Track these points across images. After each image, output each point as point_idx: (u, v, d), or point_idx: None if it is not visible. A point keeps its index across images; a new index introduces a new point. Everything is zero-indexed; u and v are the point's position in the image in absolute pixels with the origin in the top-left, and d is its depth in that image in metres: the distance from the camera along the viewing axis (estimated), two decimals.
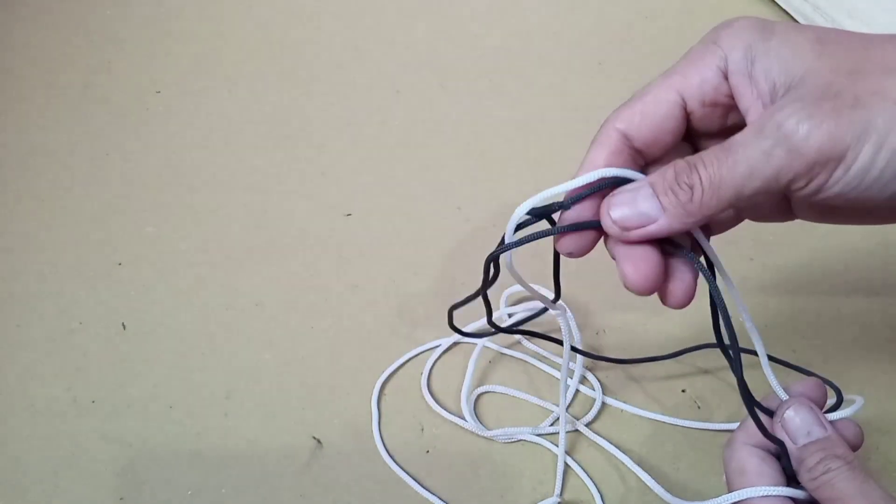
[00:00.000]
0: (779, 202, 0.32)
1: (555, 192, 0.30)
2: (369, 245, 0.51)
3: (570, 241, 0.29)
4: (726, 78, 0.27)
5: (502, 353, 0.45)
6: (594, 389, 0.43)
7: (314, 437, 0.42)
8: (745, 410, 0.30)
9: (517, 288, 0.48)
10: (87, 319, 0.47)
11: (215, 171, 0.56)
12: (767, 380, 0.32)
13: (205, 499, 0.40)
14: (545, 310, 0.44)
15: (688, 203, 0.26)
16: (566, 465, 0.40)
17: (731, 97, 0.27)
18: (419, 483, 0.40)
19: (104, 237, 0.52)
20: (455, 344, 0.45)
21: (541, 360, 0.44)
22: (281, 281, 0.49)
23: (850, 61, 0.25)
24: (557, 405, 0.42)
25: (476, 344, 0.45)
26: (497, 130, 0.59)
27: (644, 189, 0.26)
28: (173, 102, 0.61)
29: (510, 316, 0.46)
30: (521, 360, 0.45)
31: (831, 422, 0.31)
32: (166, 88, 0.62)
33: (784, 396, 0.31)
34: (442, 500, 0.39)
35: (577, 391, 0.43)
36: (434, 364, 0.45)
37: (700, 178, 0.25)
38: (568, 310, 0.44)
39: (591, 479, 0.40)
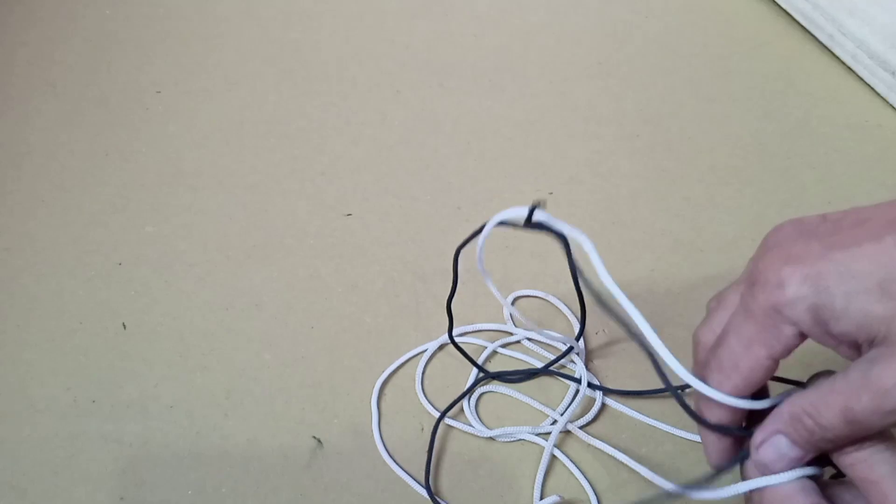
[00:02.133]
0: None
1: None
2: (369, 245, 0.51)
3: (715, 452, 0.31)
4: (804, 334, 0.28)
5: (503, 353, 0.45)
6: (594, 390, 0.43)
7: (314, 437, 0.42)
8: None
9: (524, 291, 0.48)
10: (87, 319, 0.47)
11: (215, 171, 0.56)
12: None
13: (205, 499, 0.40)
14: (570, 349, 0.44)
15: (824, 449, 0.28)
16: (564, 465, 0.40)
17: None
18: (419, 483, 0.40)
19: (104, 237, 0.52)
20: (444, 345, 0.46)
21: (542, 361, 0.44)
22: (281, 281, 0.49)
23: None
24: (557, 407, 0.42)
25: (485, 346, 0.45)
26: (497, 130, 0.59)
27: (781, 440, 0.29)
28: (173, 102, 0.61)
29: (512, 318, 0.46)
30: (522, 360, 0.45)
31: None
32: (166, 88, 0.62)
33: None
34: (442, 500, 0.39)
35: (577, 391, 0.43)
36: (426, 366, 0.45)
37: (834, 437, 0.27)
38: (580, 346, 0.44)
39: (586, 477, 0.40)
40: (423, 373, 0.44)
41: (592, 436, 0.41)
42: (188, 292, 0.48)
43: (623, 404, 0.43)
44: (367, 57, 0.65)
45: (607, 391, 0.43)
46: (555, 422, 0.41)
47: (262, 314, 0.47)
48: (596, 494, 0.39)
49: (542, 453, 0.41)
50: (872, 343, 0.26)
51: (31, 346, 0.46)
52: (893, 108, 0.59)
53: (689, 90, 0.61)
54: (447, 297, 0.40)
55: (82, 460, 0.41)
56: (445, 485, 0.40)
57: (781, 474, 0.28)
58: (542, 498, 0.39)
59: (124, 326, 0.47)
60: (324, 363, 0.45)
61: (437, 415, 0.42)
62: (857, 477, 0.27)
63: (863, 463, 0.27)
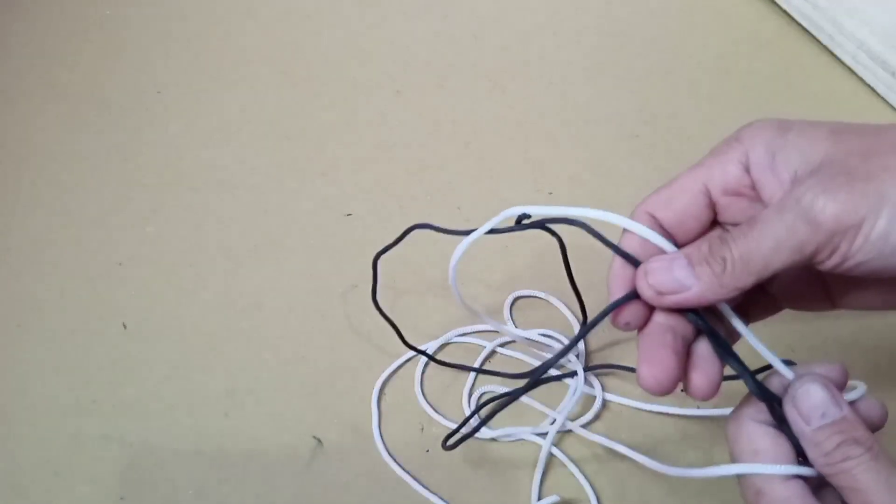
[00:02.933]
0: (813, 283, 0.32)
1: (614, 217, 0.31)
2: (369, 245, 0.51)
3: (627, 314, 0.30)
4: (748, 171, 0.29)
5: (502, 353, 0.45)
6: (593, 388, 0.43)
7: (314, 437, 0.42)
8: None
9: (524, 291, 0.48)
10: (87, 319, 0.47)
11: (215, 171, 0.56)
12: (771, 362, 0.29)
13: (205, 498, 0.40)
14: (564, 353, 0.43)
15: (721, 275, 0.28)
16: (563, 464, 0.40)
17: (754, 189, 0.30)
18: (419, 483, 0.40)
19: (104, 237, 0.52)
20: (444, 345, 0.46)
21: (541, 360, 0.44)
22: (281, 281, 0.49)
23: (864, 146, 0.27)
24: (556, 407, 0.42)
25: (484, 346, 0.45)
26: (497, 130, 0.59)
27: (679, 259, 0.28)
28: (173, 102, 0.61)
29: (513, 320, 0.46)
30: (522, 360, 0.45)
31: (850, 402, 0.28)
32: (166, 88, 0.62)
33: (788, 374, 0.29)
34: (442, 500, 0.39)
35: (583, 393, 0.43)
36: (426, 366, 0.45)
37: (731, 252, 0.27)
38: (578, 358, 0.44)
39: (585, 476, 0.40)
40: (423, 373, 0.44)
41: (596, 431, 0.41)
42: (188, 292, 0.48)
43: (623, 397, 0.43)
44: (367, 57, 0.65)
45: (608, 367, 0.43)
46: (554, 421, 0.41)
47: (262, 314, 0.47)
48: (595, 493, 0.39)
49: (539, 452, 0.41)
50: (807, 176, 0.27)
51: (31, 346, 0.46)
52: (893, 108, 0.59)
53: (689, 90, 0.61)
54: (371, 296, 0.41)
55: (82, 460, 0.41)
56: (445, 485, 0.40)
57: (775, 466, 0.28)
58: (540, 498, 0.39)
59: (124, 326, 0.47)
60: (324, 363, 0.45)
61: (436, 416, 0.42)
62: (842, 486, 0.27)
63: (847, 473, 0.27)
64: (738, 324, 0.30)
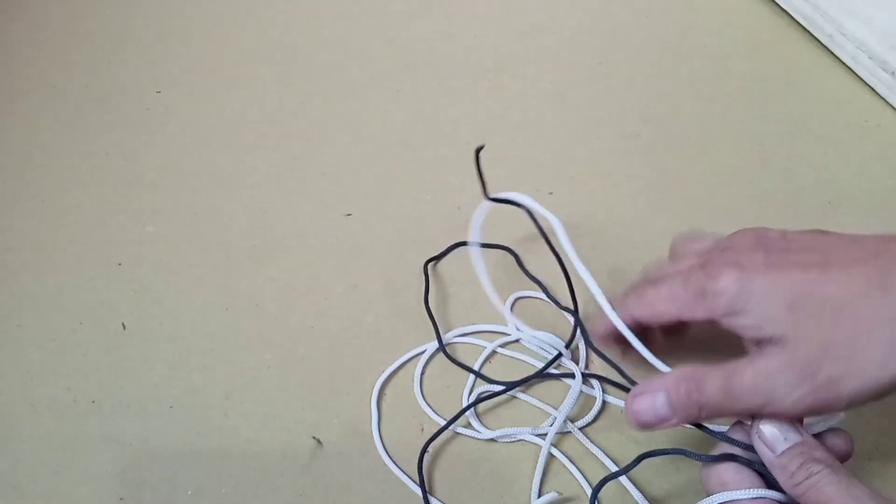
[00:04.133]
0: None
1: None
2: (369, 245, 0.51)
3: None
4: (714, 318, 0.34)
5: (503, 353, 0.45)
6: (594, 388, 0.43)
7: (314, 437, 0.42)
8: None
9: (525, 292, 0.48)
10: (87, 319, 0.47)
11: (215, 171, 0.56)
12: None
13: (205, 499, 0.40)
14: (559, 355, 0.44)
15: (696, 416, 0.33)
16: (563, 464, 0.40)
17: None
18: (419, 483, 0.40)
19: (104, 237, 0.52)
20: (440, 348, 0.45)
21: (542, 361, 0.44)
22: (281, 281, 0.49)
23: (821, 337, 0.31)
24: (557, 407, 0.42)
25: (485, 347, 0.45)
26: (497, 130, 0.59)
27: (661, 396, 0.33)
28: (173, 102, 0.61)
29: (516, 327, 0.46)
30: (522, 360, 0.45)
31: (819, 434, 0.33)
32: (166, 88, 0.62)
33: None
34: (442, 501, 0.39)
35: (581, 391, 0.43)
36: (425, 366, 0.45)
37: (707, 402, 0.32)
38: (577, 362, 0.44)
39: (584, 476, 0.40)
40: (423, 374, 0.44)
41: (592, 434, 0.41)
42: (188, 292, 0.48)
43: (623, 400, 0.43)
44: (367, 57, 0.65)
45: (603, 379, 0.43)
46: (554, 421, 0.41)
47: (262, 314, 0.47)
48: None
49: (538, 452, 0.41)
50: (769, 341, 0.32)
51: (31, 346, 0.46)
52: (893, 108, 0.59)
53: (689, 90, 0.61)
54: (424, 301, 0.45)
55: (82, 460, 0.41)
56: (445, 485, 0.40)
57: (740, 491, 0.32)
58: (539, 496, 0.39)
59: (124, 326, 0.47)
60: (324, 363, 0.45)
61: (436, 417, 0.42)
62: (810, 502, 0.30)
63: (812, 488, 0.30)
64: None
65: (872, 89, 0.60)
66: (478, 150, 0.36)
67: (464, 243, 0.48)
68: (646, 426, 0.34)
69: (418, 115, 0.60)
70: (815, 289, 0.31)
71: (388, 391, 0.44)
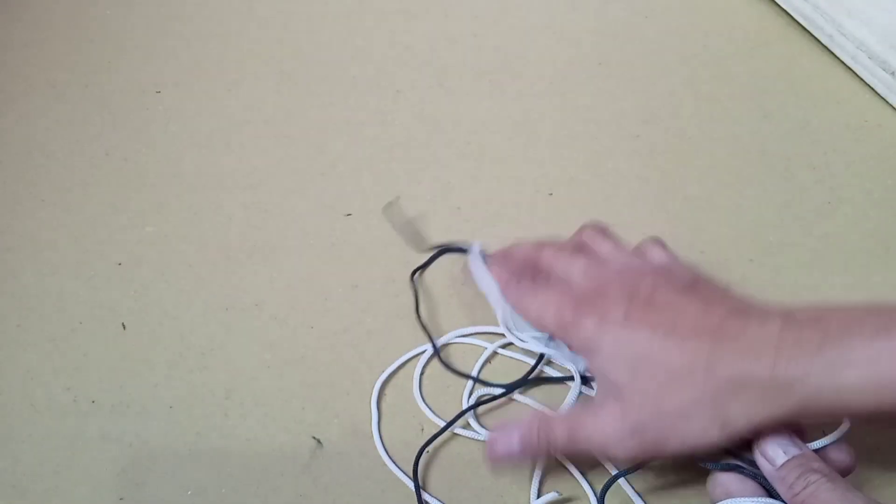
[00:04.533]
0: None
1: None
2: (369, 245, 0.51)
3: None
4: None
5: (503, 353, 0.45)
6: (593, 390, 0.43)
7: (314, 437, 0.42)
8: None
9: None
10: (87, 319, 0.47)
11: (215, 171, 0.56)
12: None
13: (205, 498, 0.40)
14: (541, 357, 0.44)
15: (545, 453, 0.38)
16: (563, 465, 0.40)
17: None
18: (419, 483, 0.40)
19: (104, 237, 0.52)
20: (444, 346, 0.46)
21: (544, 363, 0.44)
22: (281, 281, 0.49)
23: (653, 402, 0.34)
24: (557, 409, 0.42)
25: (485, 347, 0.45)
26: (497, 130, 0.59)
27: (515, 435, 0.38)
28: (173, 102, 0.61)
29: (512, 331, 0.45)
30: (522, 360, 0.45)
31: (820, 449, 0.34)
32: (166, 88, 0.62)
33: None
34: (441, 501, 0.39)
35: (581, 393, 0.43)
36: (425, 366, 0.44)
37: (555, 444, 0.37)
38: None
39: (584, 476, 0.40)
40: (422, 374, 0.44)
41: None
42: (188, 292, 0.48)
43: None
44: (367, 57, 0.65)
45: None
46: None
47: (262, 314, 0.47)
48: (594, 492, 0.39)
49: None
50: (613, 389, 0.36)
51: (31, 346, 0.46)
52: (893, 108, 0.59)
53: (689, 90, 0.61)
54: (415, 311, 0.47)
55: (82, 460, 0.41)
56: (445, 485, 0.40)
57: (745, 499, 0.33)
58: (539, 496, 0.39)
59: (124, 326, 0.47)
60: (324, 363, 0.45)
61: (435, 418, 0.42)
62: None
63: (811, 497, 0.31)
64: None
65: (872, 89, 0.60)
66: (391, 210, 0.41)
67: (447, 250, 0.48)
68: (497, 460, 0.39)
69: (418, 115, 0.60)
70: (656, 353, 0.34)
71: (388, 391, 0.44)
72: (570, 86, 0.62)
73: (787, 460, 0.33)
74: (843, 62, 0.63)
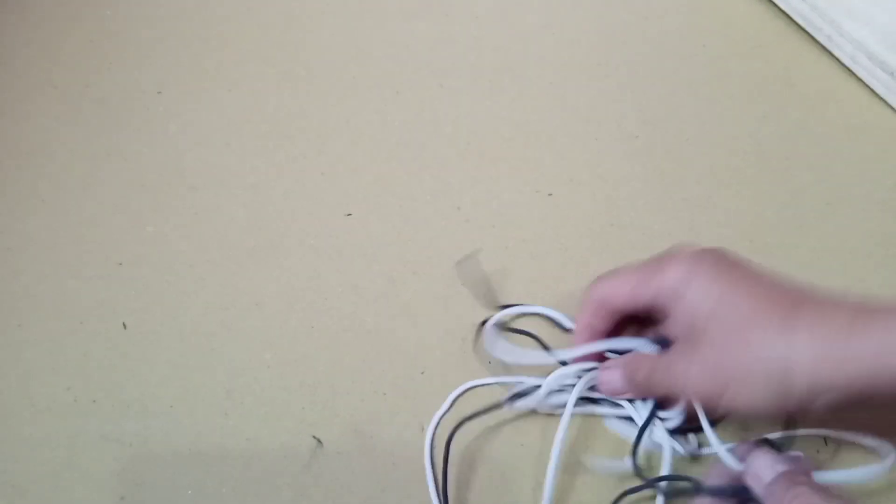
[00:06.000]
0: None
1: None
2: (369, 245, 0.51)
3: None
4: (659, 297, 0.38)
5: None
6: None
7: (314, 437, 0.42)
8: None
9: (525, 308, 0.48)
10: (88, 319, 0.47)
11: (215, 171, 0.56)
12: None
13: (205, 498, 0.40)
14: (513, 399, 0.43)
15: (642, 390, 0.40)
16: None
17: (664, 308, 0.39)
18: (418, 483, 0.40)
19: (104, 237, 0.52)
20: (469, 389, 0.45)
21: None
22: (281, 281, 0.49)
23: (738, 323, 0.35)
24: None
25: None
26: (497, 130, 0.59)
27: (617, 372, 0.40)
28: (173, 102, 0.61)
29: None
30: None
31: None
32: (166, 88, 0.62)
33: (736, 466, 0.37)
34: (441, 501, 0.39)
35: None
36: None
37: (652, 381, 0.38)
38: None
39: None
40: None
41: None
42: (188, 292, 0.48)
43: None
44: (367, 57, 0.65)
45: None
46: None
47: (262, 314, 0.47)
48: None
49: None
50: (691, 334, 0.36)
51: (31, 346, 0.46)
52: (892, 108, 0.59)
53: (688, 91, 0.62)
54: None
55: (82, 460, 0.41)
56: (444, 484, 0.40)
57: None
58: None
59: (124, 326, 0.47)
60: (324, 363, 0.45)
61: (434, 417, 0.42)
62: None
63: (802, 496, 0.33)
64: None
65: (871, 90, 0.61)
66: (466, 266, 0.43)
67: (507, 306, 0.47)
68: (611, 395, 0.41)
69: (418, 115, 0.60)
70: (741, 301, 0.35)
71: (388, 391, 0.44)
72: (569, 86, 0.62)
73: (776, 476, 0.34)
74: (842, 63, 0.63)
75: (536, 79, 0.63)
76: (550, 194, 0.54)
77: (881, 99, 0.60)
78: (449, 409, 0.43)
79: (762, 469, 0.35)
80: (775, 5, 0.68)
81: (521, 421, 0.42)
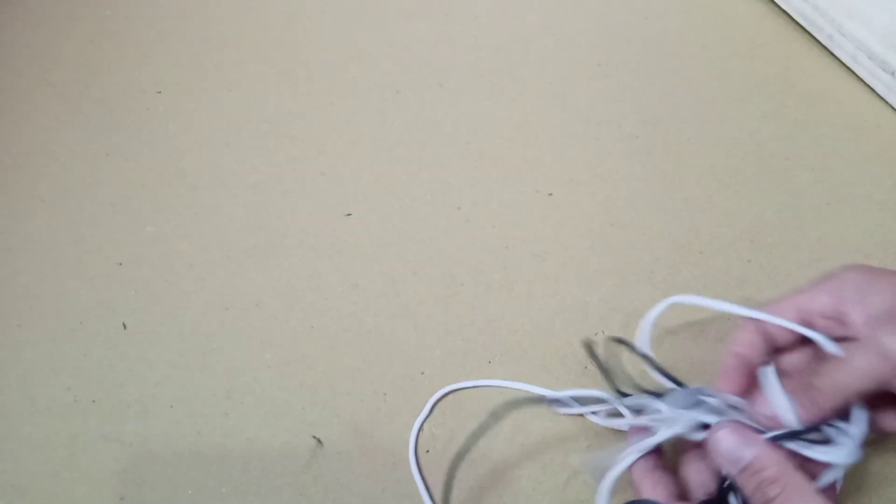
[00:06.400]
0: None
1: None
2: (369, 245, 0.51)
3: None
4: (840, 303, 0.35)
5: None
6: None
7: (314, 437, 0.42)
8: None
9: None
10: (88, 319, 0.47)
11: (215, 171, 0.56)
12: None
13: (205, 498, 0.40)
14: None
15: (817, 402, 0.34)
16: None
17: (842, 317, 0.35)
18: (419, 483, 0.40)
19: (104, 237, 0.52)
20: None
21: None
22: (281, 281, 0.49)
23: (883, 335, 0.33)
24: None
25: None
26: (497, 130, 0.59)
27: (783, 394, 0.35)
28: (173, 102, 0.61)
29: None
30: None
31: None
32: (166, 88, 0.62)
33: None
34: (441, 501, 0.39)
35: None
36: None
37: (825, 384, 0.34)
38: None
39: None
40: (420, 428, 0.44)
41: None
42: (188, 292, 0.48)
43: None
44: (367, 57, 0.65)
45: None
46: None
47: (262, 314, 0.47)
48: None
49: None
50: (870, 336, 0.33)
51: (31, 346, 0.46)
52: (892, 108, 0.59)
53: (688, 91, 0.62)
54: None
55: (82, 460, 0.41)
56: (445, 485, 0.40)
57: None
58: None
59: (124, 326, 0.47)
60: (324, 363, 0.45)
61: (434, 417, 0.42)
62: None
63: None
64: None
65: (872, 89, 0.61)
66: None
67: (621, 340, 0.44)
68: (773, 425, 0.35)
69: (418, 115, 0.60)
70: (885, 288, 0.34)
71: (388, 391, 0.44)
72: (569, 86, 0.62)
73: (739, 472, 0.33)
74: (842, 62, 0.63)
75: (536, 79, 0.63)
76: (550, 194, 0.54)
77: (882, 99, 0.60)
78: (429, 414, 0.43)
79: (726, 452, 0.33)
80: (776, 5, 0.68)
81: (522, 421, 0.42)
